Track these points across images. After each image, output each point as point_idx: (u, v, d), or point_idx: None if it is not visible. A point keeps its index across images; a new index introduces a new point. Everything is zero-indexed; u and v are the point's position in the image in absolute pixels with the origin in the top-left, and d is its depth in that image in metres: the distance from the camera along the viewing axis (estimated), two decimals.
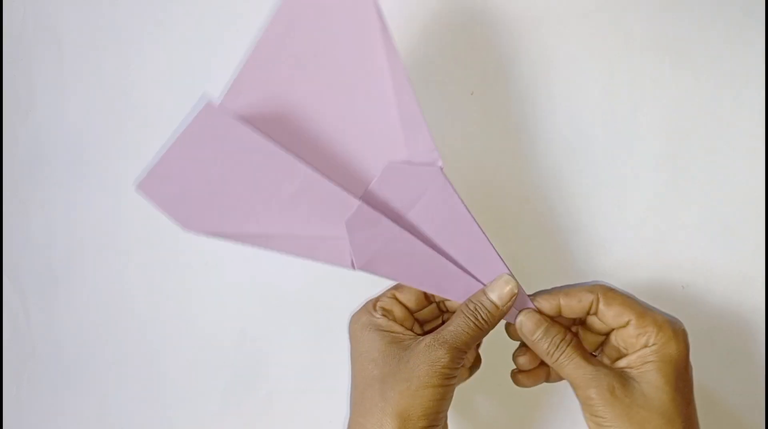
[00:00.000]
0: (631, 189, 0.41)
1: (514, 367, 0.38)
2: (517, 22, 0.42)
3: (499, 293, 0.35)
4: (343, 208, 0.35)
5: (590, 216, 0.42)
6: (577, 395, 0.34)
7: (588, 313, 0.35)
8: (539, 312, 0.35)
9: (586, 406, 0.33)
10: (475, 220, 0.35)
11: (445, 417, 0.35)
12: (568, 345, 0.34)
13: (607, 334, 0.36)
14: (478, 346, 0.39)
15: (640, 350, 0.33)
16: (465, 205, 0.35)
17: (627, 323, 0.34)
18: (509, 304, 0.35)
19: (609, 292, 0.35)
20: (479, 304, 0.35)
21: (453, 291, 0.36)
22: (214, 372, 0.49)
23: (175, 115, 0.49)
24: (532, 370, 0.37)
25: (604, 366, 0.34)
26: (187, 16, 0.48)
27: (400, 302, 0.37)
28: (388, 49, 0.35)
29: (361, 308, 0.38)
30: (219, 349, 0.49)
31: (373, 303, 0.37)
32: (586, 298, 0.35)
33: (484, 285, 0.36)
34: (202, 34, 0.48)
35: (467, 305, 0.35)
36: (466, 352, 0.35)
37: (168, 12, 0.48)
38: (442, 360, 0.33)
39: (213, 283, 0.49)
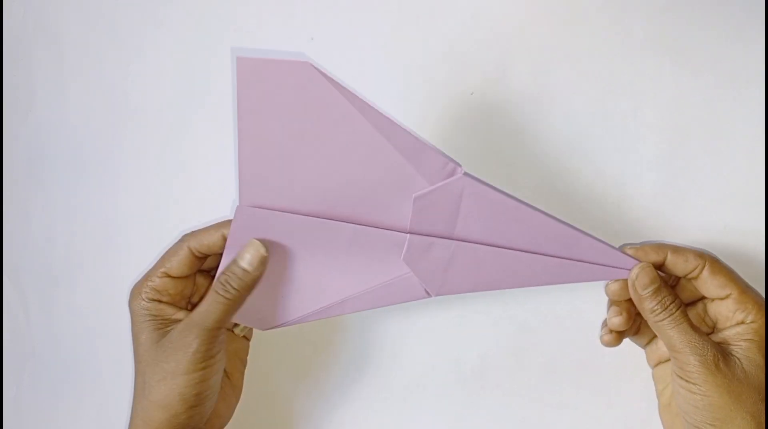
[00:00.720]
0: (631, 189, 0.41)
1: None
2: (517, 22, 0.42)
3: (249, 259, 0.35)
4: (396, 246, 0.36)
5: (590, 216, 0.42)
6: (674, 357, 0.34)
7: (686, 276, 0.35)
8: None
9: (683, 371, 0.33)
10: (519, 200, 0.35)
11: (213, 393, 0.36)
12: (677, 309, 0.34)
13: (693, 303, 0.36)
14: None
15: (735, 326, 0.34)
16: (504, 192, 0.35)
17: (727, 296, 0.34)
18: (260, 267, 0.35)
19: (716, 262, 0.35)
20: (230, 275, 0.35)
21: (533, 277, 0.36)
22: None
23: (174, 115, 0.49)
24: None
25: (708, 337, 0.34)
26: (187, 16, 0.48)
27: (172, 276, 0.37)
28: (350, 99, 0.34)
29: (134, 289, 0.37)
30: None
31: (143, 283, 0.37)
32: (693, 261, 0.35)
33: (564, 258, 0.36)
34: (202, 34, 0.48)
35: (219, 279, 0.35)
36: (220, 330, 0.35)
37: (168, 12, 0.48)
38: (193, 345, 0.34)
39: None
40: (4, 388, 0.56)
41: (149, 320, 0.36)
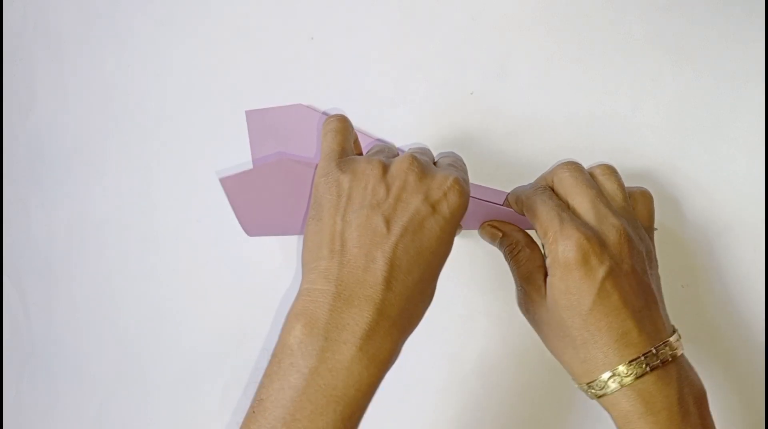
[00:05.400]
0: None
1: None
2: (517, 21, 0.42)
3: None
4: None
5: None
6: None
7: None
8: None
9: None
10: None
11: None
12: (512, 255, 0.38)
13: None
14: None
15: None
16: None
17: (539, 232, 0.35)
18: None
19: (528, 206, 0.36)
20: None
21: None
22: (214, 371, 0.49)
23: (174, 115, 0.49)
24: None
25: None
26: (187, 17, 0.48)
27: None
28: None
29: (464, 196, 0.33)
30: (219, 348, 0.49)
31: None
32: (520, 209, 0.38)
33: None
34: (203, 35, 0.48)
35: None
36: None
37: (168, 12, 0.48)
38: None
39: (213, 283, 0.49)
40: (4, 388, 0.56)
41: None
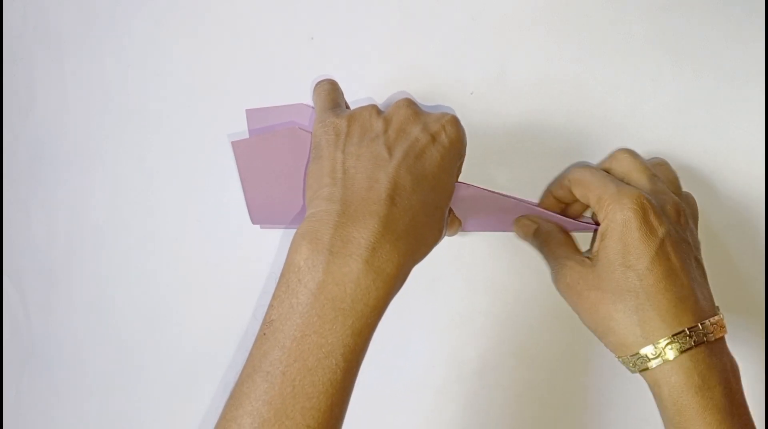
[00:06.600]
0: None
1: None
2: (517, 22, 0.42)
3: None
4: None
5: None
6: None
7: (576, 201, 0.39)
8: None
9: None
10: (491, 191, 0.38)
11: None
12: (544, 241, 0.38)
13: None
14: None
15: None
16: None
17: (591, 202, 0.35)
18: None
19: (576, 177, 0.36)
20: None
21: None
22: (214, 371, 0.49)
23: (174, 115, 0.49)
24: None
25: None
26: (187, 16, 0.48)
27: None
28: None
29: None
30: (218, 348, 0.49)
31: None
32: (567, 190, 0.37)
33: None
34: (202, 35, 0.48)
35: None
36: None
37: (167, 12, 0.48)
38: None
39: (213, 283, 0.49)
40: (4, 388, 0.56)
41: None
